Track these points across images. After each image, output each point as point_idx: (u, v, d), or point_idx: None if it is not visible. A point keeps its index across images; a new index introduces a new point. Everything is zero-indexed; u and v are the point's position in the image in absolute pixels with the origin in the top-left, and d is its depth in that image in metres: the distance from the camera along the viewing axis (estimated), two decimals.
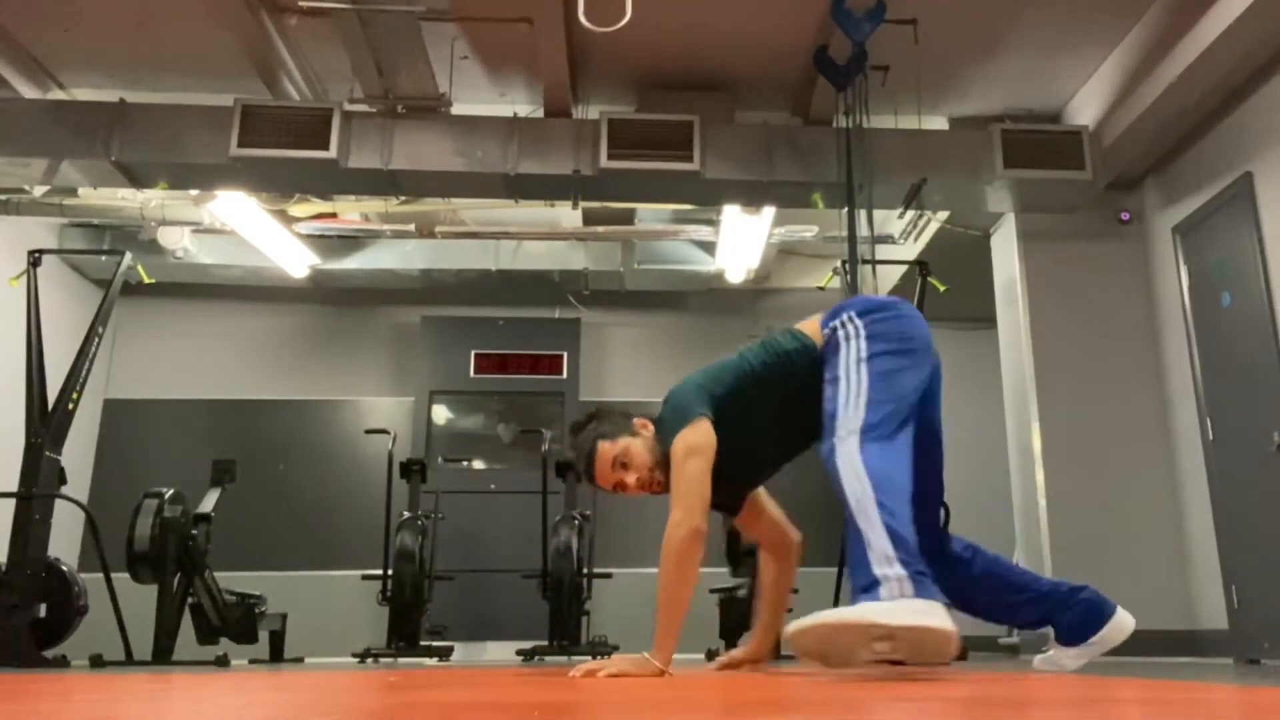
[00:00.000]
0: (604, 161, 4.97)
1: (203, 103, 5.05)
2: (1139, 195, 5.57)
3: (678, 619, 2.26)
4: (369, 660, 5.08)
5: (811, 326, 2.48)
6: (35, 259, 4.79)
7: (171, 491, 4.59)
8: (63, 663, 4.20)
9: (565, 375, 7.07)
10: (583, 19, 4.02)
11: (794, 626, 1.96)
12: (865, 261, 5.00)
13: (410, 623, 5.29)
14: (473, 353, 7.09)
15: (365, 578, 5.64)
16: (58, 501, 4.44)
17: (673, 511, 2.30)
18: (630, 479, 2.46)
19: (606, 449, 2.47)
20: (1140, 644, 4.91)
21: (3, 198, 5.80)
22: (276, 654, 5.14)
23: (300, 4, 4.48)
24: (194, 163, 4.96)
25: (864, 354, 2.30)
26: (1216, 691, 1.76)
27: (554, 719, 1.17)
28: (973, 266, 5.89)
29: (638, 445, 2.48)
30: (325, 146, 4.87)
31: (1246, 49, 4.26)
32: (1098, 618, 2.47)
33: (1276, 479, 4.33)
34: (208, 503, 4.76)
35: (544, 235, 6.80)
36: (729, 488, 2.51)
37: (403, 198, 5.94)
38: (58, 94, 5.32)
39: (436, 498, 5.96)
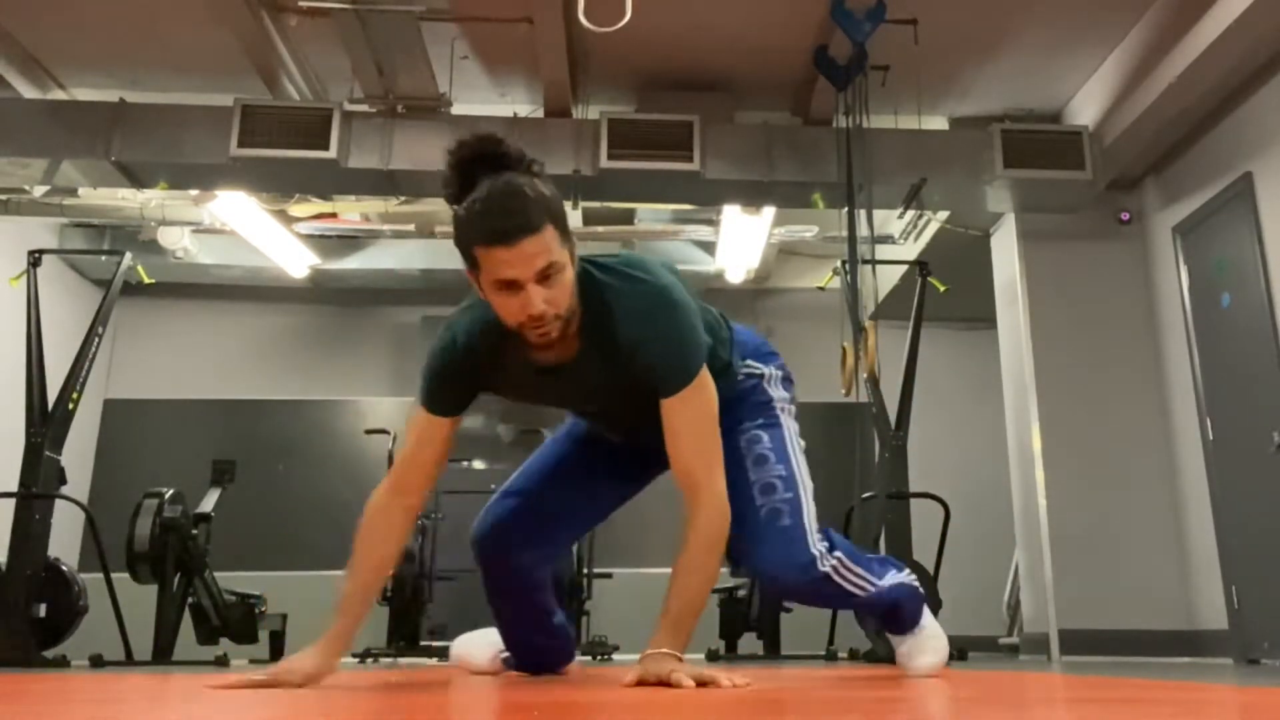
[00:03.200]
0: (604, 161, 4.96)
1: (203, 103, 5.04)
2: (1139, 195, 5.57)
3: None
4: (369, 660, 5.08)
5: None
6: (35, 259, 4.79)
7: (171, 491, 4.59)
8: (63, 663, 4.20)
9: None
10: (583, 19, 4.02)
11: None
12: (865, 261, 4.99)
13: (410, 623, 5.29)
14: None
15: None
16: (58, 501, 4.43)
17: (708, 476, 1.78)
18: (544, 307, 1.69)
19: (547, 241, 1.67)
20: (1140, 644, 4.97)
21: (3, 198, 5.79)
22: (276, 654, 5.13)
23: (300, 4, 4.47)
24: (194, 163, 4.96)
25: (799, 441, 2.10)
26: (1216, 691, 1.76)
27: (554, 719, 1.17)
28: (973, 266, 5.88)
29: (570, 275, 1.74)
30: (325, 146, 4.87)
31: (1246, 49, 4.25)
32: None
33: (1276, 479, 4.33)
34: (208, 503, 4.76)
35: None
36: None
37: (403, 198, 5.94)
38: (58, 94, 5.32)
39: (437, 498, 5.96)
